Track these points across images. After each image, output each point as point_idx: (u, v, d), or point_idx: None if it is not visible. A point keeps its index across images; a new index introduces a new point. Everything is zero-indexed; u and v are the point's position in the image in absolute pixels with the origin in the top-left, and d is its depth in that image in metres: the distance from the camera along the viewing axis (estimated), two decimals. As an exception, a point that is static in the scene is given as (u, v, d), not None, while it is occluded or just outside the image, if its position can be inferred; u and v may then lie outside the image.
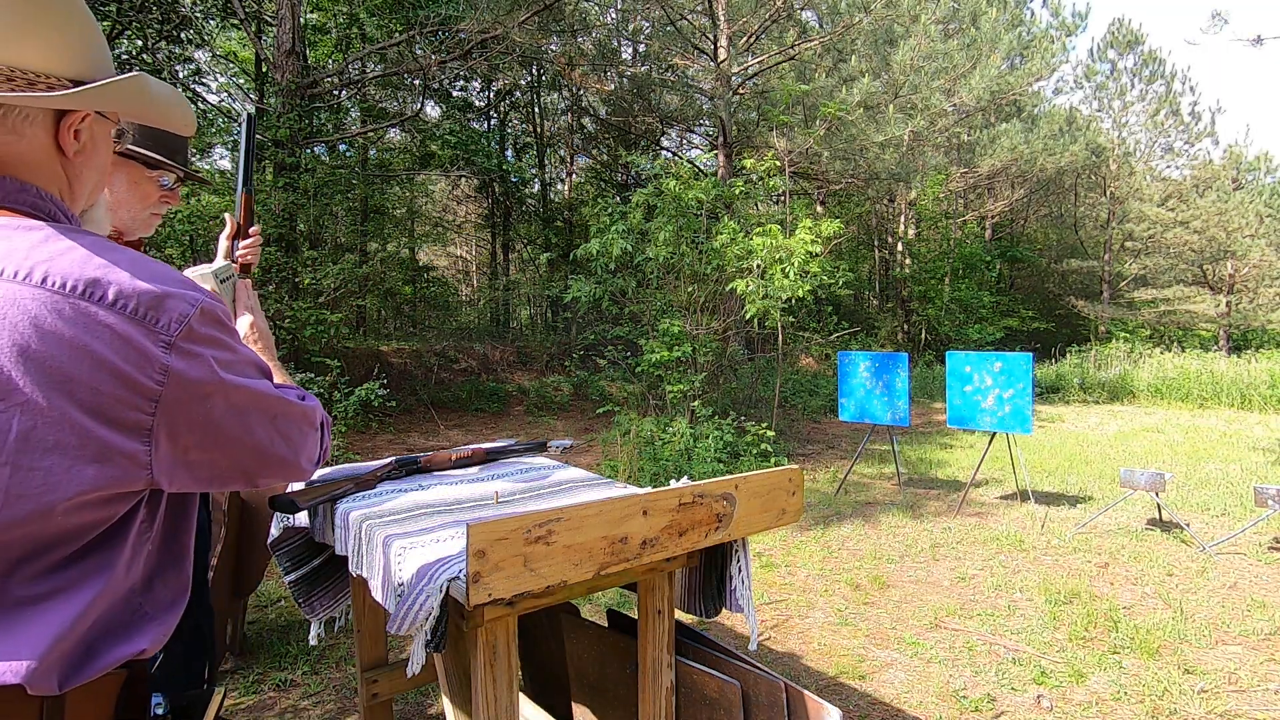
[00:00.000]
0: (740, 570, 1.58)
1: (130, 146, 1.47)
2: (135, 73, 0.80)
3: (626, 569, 1.30)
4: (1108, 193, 20.40)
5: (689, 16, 11.10)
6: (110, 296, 0.70)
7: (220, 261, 1.50)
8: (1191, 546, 4.27)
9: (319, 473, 1.84)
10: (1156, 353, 14.73)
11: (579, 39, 11.75)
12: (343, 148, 11.90)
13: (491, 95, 15.58)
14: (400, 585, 1.27)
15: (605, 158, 17.24)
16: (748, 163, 7.97)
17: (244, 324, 1.37)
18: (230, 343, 0.80)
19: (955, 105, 12.62)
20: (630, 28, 13.09)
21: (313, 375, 6.82)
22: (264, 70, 10.99)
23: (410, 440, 8.45)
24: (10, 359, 0.65)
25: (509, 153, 17.22)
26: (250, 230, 1.56)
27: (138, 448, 0.71)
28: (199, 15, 8.17)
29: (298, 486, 1.77)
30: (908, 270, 19.17)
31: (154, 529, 0.80)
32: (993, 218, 22.16)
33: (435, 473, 1.91)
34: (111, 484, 0.70)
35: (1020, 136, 15.95)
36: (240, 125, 1.61)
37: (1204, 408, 11.29)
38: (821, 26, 12.30)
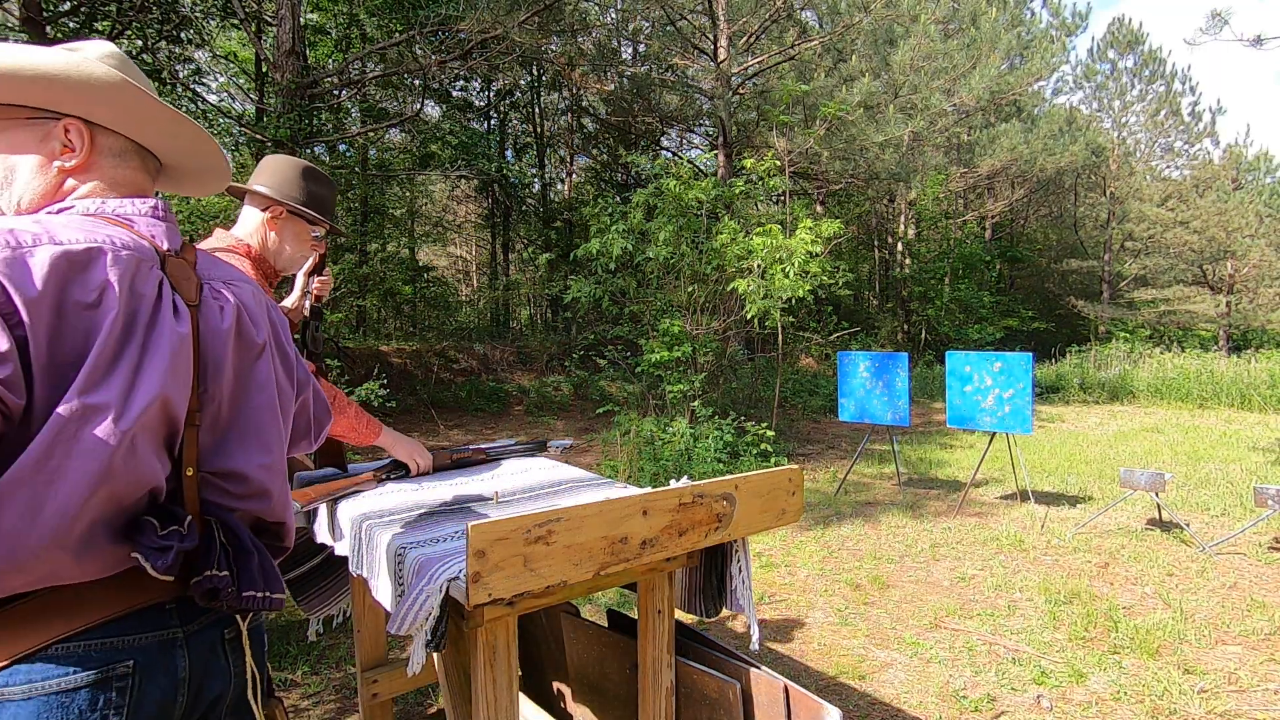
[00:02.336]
0: (740, 570, 1.58)
1: (297, 206, 1.76)
2: None
3: (626, 569, 1.30)
4: (1108, 193, 20.39)
5: (689, 16, 11.10)
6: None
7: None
8: (1191, 546, 4.27)
9: (319, 472, 1.84)
10: (1156, 353, 14.71)
11: (579, 39, 11.74)
12: (343, 148, 11.90)
13: (491, 95, 15.58)
14: (400, 585, 1.27)
15: (605, 158, 17.24)
16: (748, 163, 7.96)
17: None
18: None
19: (955, 105, 12.62)
20: (630, 28, 13.09)
21: (312, 375, 6.80)
22: (264, 70, 10.99)
23: (410, 440, 8.43)
24: None
25: (509, 153, 17.22)
26: (324, 270, 1.99)
27: None
28: (199, 15, 8.17)
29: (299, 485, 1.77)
30: (908, 270, 19.16)
31: None
32: (993, 218, 22.15)
33: (435, 473, 1.91)
34: None
35: (1020, 136, 15.95)
36: None
37: (1204, 408, 11.29)
38: (821, 26, 12.30)
